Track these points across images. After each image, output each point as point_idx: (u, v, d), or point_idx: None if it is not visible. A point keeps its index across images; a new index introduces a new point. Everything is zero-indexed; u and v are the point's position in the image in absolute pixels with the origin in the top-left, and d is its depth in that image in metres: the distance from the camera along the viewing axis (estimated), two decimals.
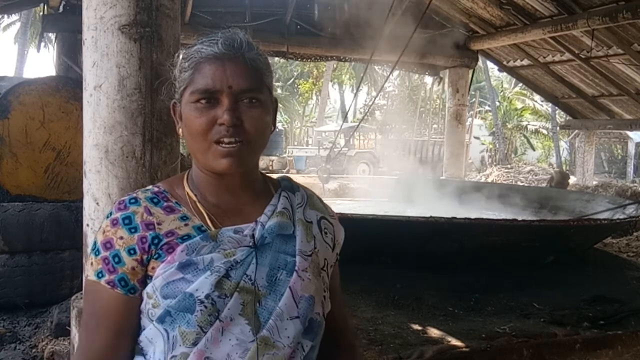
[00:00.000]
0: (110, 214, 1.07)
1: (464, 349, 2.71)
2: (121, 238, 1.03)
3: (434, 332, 2.95)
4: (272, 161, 19.15)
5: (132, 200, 1.07)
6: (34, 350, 3.25)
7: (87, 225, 2.27)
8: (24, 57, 22.76)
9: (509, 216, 5.67)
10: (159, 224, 1.05)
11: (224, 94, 1.03)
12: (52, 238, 3.87)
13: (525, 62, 9.78)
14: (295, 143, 28.31)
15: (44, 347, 3.14)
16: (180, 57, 1.09)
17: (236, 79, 1.03)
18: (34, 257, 3.86)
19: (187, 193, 1.10)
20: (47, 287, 3.85)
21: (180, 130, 1.10)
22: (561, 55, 9.01)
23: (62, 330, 3.21)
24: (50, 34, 8.38)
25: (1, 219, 3.75)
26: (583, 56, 8.69)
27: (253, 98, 1.05)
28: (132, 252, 1.03)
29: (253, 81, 1.05)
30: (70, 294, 3.32)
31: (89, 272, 1.06)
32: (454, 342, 2.79)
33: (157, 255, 1.03)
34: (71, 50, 6.78)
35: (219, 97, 1.03)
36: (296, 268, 1.07)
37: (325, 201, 1.26)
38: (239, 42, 1.05)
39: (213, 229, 1.06)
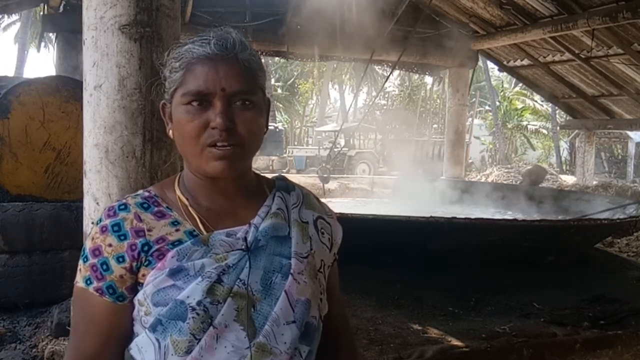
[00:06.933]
0: (100, 220, 1.04)
1: (464, 349, 2.71)
2: (110, 245, 1.01)
3: (434, 332, 2.96)
4: (272, 161, 19.17)
5: (122, 207, 1.04)
6: (34, 350, 3.24)
7: (91, 223, 2.28)
8: (24, 57, 22.74)
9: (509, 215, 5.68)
10: (149, 230, 1.02)
11: (217, 96, 0.99)
12: (52, 238, 3.85)
13: (526, 62, 9.78)
14: (296, 143, 28.28)
15: (44, 347, 3.13)
16: (171, 56, 1.04)
17: (229, 81, 0.99)
18: (34, 257, 3.85)
19: (179, 197, 1.07)
20: (47, 287, 3.84)
21: (171, 132, 1.07)
22: (561, 55, 9.01)
23: (62, 330, 3.20)
24: (50, 34, 8.39)
25: (1, 219, 3.74)
26: (583, 56, 8.69)
27: (246, 100, 1.01)
28: (120, 259, 1.00)
29: (246, 83, 1.01)
30: (70, 294, 3.29)
31: (78, 278, 1.03)
32: (454, 342, 2.80)
33: (147, 262, 1.00)
34: (71, 51, 6.78)
35: (212, 99, 1.00)
36: (292, 271, 1.03)
37: (324, 201, 1.23)
38: (232, 42, 1.01)
39: (205, 233, 1.03)
